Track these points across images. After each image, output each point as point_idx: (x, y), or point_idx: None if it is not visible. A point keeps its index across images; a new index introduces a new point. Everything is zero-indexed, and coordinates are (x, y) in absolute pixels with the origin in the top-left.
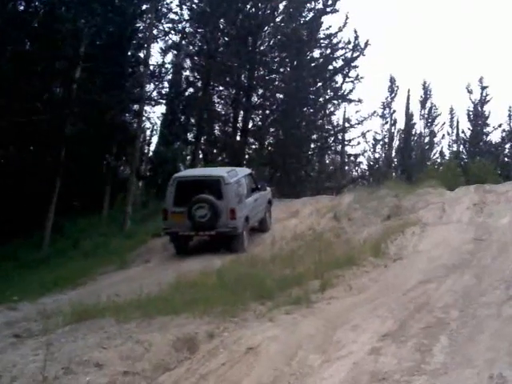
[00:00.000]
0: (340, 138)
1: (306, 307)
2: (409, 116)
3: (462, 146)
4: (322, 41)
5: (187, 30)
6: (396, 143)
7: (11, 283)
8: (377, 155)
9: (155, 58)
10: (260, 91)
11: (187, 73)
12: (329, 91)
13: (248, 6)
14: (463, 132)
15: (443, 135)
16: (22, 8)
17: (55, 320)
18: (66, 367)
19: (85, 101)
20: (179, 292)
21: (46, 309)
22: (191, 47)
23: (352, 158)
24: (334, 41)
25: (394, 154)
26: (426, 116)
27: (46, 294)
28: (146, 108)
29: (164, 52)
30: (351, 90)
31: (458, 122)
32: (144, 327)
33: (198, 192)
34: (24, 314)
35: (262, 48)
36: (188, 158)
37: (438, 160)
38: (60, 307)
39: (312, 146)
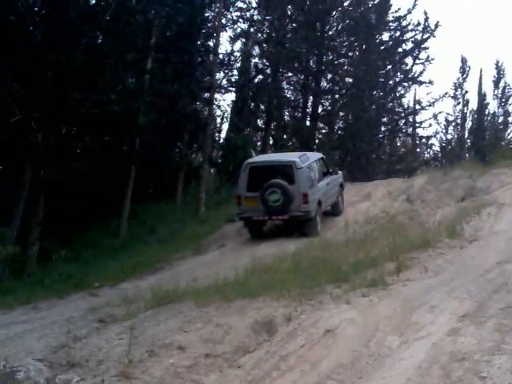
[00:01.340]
0: (411, 120)
1: (382, 289)
2: (481, 96)
3: None
4: (391, 23)
5: (255, 17)
6: (469, 124)
7: (92, 269)
8: (449, 136)
9: (224, 47)
10: (329, 76)
11: (256, 60)
12: (399, 74)
13: None
14: None
15: None
16: (93, 1)
17: (137, 305)
18: (149, 350)
19: (157, 90)
20: (255, 276)
21: (127, 294)
22: (259, 35)
23: (424, 140)
24: (404, 23)
25: (466, 135)
26: (499, 96)
27: (126, 279)
28: (217, 96)
29: (233, 40)
30: (422, 72)
31: None
32: (223, 311)
33: (271, 177)
34: (106, 299)
35: (330, 33)
36: (258, 144)
37: None
38: (141, 292)
39: (382, 128)
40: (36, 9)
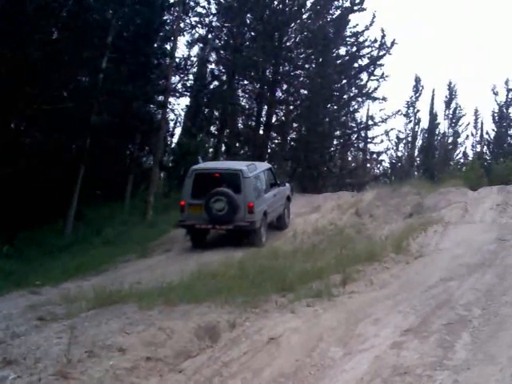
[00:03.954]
0: (363, 135)
1: (327, 300)
2: (433, 116)
3: (485, 147)
4: (348, 38)
5: (214, 23)
6: (419, 142)
7: (34, 268)
8: (399, 154)
9: (181, 51)
10: (284, 86)
11: (212, 66)
12: (353, 88)
13: (275, 2)
14: (487, 133)
15: (467, 136)
16: None
17: (78, 304)
18: (89, 351)
19: (111, 91)
20: (201, 281)
21: (69, 293)
22: (217, 41)
23: (374, 155)
24: (361, 39)
25: (416, 153)
26: (450, 116)
27: (69, 279)
28: (171, 99)
29: (190, 45)
30: (376, 88)
31: (482, 124)
32: (166, 314)
33: (216, 185)
34: (47, 298)
35: (287, 44)
36: (211, 150)
37: (461, 160)
38: (83, 292)
39: (335, 142)
40: None
